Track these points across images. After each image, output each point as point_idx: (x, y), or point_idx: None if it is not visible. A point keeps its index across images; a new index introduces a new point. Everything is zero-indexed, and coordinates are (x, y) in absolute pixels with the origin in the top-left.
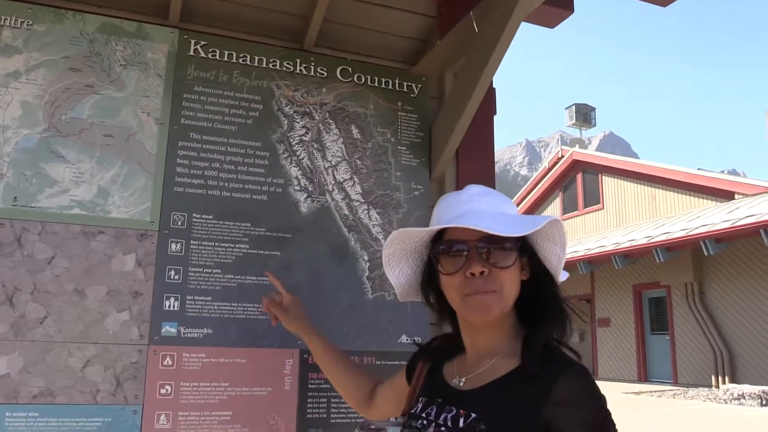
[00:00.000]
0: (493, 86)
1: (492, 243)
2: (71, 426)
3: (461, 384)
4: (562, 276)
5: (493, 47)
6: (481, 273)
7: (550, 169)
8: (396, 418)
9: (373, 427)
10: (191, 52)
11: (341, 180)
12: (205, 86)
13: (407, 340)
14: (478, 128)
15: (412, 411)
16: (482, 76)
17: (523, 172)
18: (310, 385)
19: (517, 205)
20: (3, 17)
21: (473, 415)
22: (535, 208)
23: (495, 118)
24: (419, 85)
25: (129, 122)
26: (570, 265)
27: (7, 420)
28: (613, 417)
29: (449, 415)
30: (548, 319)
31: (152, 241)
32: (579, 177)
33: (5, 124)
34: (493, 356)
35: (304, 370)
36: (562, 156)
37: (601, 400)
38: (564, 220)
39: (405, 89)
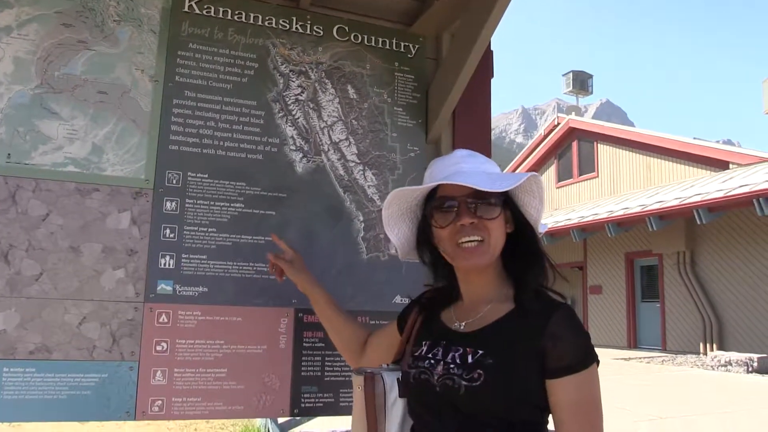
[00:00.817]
0: (491, 48)
1: (479, 198)
2: (68, 382)
3: (462, 328)
4: (541, 228)
5: (491, 7)
6: (471, 224)
7: (545, 137)
8: (387, 365)
9: (369, 371)
10: (186, 9)
11: (337, 140)
12: (200, 44)
13: (401, 300)
14: (475, 90)
15: (416, 353)
16: (480, 36)
17: (519, 139)
18: (304, 344)
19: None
20: None
21: (480, 351)
22: None
23: (491, 83)
24: (416, 46)
25: (123, 79)
26: (563, 233)
27: (4, 375)
28: (603, 381)
29: (456, 354)
30: (535, 265)
31: (147, 199)
32: (575, 145)
33: None
34: (489, 302)
35: (298, 329)
36: (559, 123)
37: (586, 334)
38: (558, 188)
39: (402, 49)
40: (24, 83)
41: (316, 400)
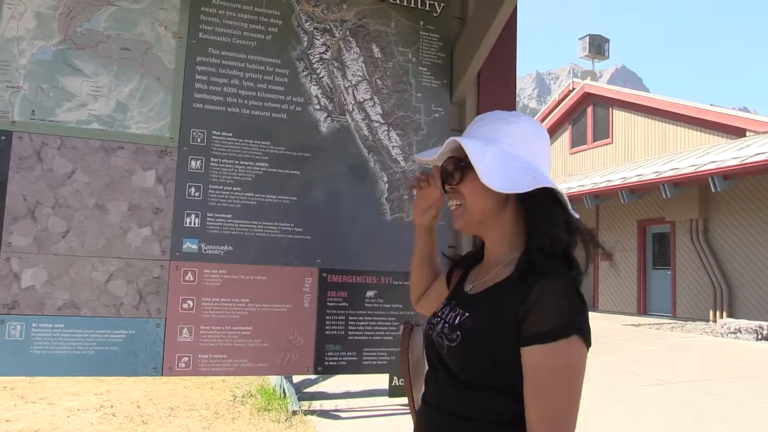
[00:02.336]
0: (516, 9)
1: (449, 165)
2: (96, 337)
3: (469, 289)
4: (542, 181)
5: None
6: (450, 189)
7: (560, 102)
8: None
9: (409, 322)
10: None
11: (361, 100)
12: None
13: None
14: (501, 51)
15: (435, 311)
16: None
17: (532, 104)
18: (328, 303)
19: None
20: None
21: (467, 314)
22: None
23: (516, 44)
24: (442, 4)
25: (146, 35)
26: (576, 199)
27: (33, 330)
28: (612, 346)
29: (453, 314)
30: (532, 229)
31: (172, 157)
32: (589, 110)
33: (19, 35)
34: (496, 266)
35: (322, 288)
36: (574, 88)
37: (569, 307)
38: (572, 154)
39: (427, 8)
40: (46, 39)
41: (340, 358)
